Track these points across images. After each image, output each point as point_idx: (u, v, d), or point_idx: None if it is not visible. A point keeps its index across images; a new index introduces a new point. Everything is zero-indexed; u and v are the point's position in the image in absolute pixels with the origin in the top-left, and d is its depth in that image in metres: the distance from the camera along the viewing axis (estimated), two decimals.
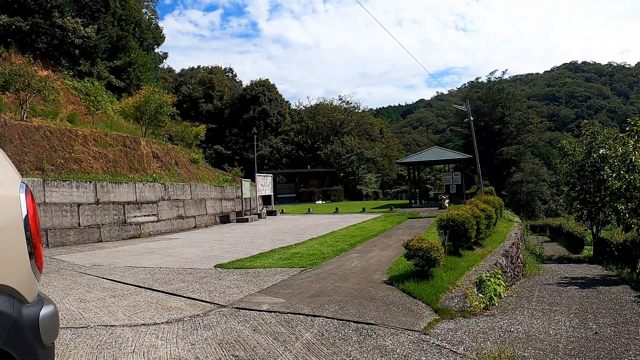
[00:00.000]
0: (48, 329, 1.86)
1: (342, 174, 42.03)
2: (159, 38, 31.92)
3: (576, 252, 20.19)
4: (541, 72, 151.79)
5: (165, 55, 40.62)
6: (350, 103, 51.99)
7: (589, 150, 16.91)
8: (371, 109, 64.16)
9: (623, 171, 9.66)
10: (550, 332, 4.88)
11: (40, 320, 1.81)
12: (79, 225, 11.93)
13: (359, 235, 12.09)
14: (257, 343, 3.78)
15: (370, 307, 4.98)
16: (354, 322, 4.39)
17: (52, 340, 1.94)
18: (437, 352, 3.71)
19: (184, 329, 4.21)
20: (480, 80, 63.67)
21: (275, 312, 4.71)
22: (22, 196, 1.91)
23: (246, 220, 18.65)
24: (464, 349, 3.92)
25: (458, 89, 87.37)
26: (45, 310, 1.87)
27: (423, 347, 3.82)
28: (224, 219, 18.94)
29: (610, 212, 14.34)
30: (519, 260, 11.23)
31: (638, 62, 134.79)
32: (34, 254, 1.92)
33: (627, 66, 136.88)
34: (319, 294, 5.45)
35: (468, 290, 6.00)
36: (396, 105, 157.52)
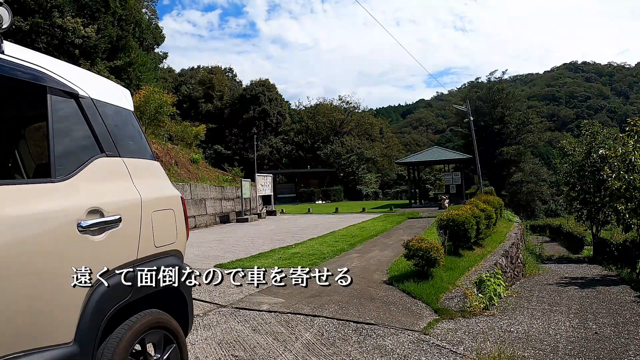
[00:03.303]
0: None
1: (342, 174, 42.04)
2: (159, 38, 31.94)
3: (576, 252, 20.19)
4: (541, 72, 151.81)
5: (165, 55, 40.65)
6: (350, 103, 52.02)
7: (588, 151, 16.90)
8: (371, 109, 64.23)
9: (623, 171, 9.65)
10: (550, 332, 4.88)
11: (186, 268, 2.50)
12: None
13: (359, 235, 12.09)
14: (257, 343, 3.78)
15: (370, 307, 4.98)
16: (354, 322, 4.39)
17: None
18: (437, 352, 3.71)
19: None
20: (480, 80, 63.61)
21: (275, 312, 4.70)
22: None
23: (246, 220, 18.65)
24: (463, 349, 3.92)
25: (458, 89, 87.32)
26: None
27: (423, 347, 3.82)
28: (224, 219, 18.94)
29: (610, 212, 14.34)
30: (519, 260, 11.23)
31: (638, 62, 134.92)
32: (185, 230, 2.82)
33: (627, 66, 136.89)
34: (318, 294, 5.45)
35: (468, 290, 6.00)
36: (396, 105, 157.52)
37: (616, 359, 3.99)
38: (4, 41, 1.83)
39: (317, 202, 34.04)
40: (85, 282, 1.90)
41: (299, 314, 4.62)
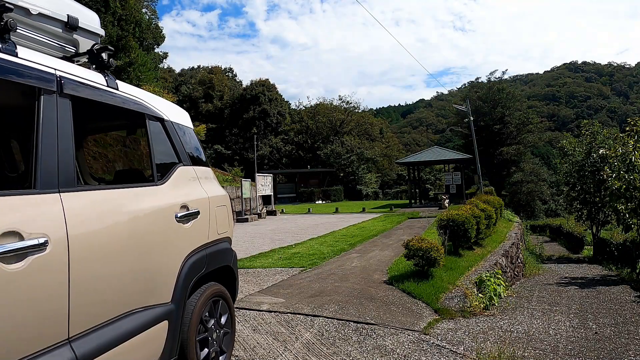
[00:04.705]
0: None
1: (342, 174, 42.03)
2: (159, 38, 31.94)
3: (576, 252, 20.18)
4: (541, 72, 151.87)
5: (165, 55, 40.66)
6: (350, 103, 52.03)
7: (588, 150, 16.89)
8: (371, 109, 64.35)
9: (623, 171, 9.65)
10: (550, 332, 4.88)
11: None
12: None
13: (359, 235, 12.09)
14: (257, 343, 3.78)
15: (370, 307, 4.98)
16: (354, 322, 4.39)
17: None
18: (437, 352, 3.71)
19: None
20: (480, 80, 63.44)
21: (275, 312, 4.70)
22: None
23: (246, 220, 18.65)
24: (463, 349, 3.92)
25: (458, 89, 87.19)
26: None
27: (423, 347, 3.81)
28: None
29: (610, 212, 14.33)
30: (519, 260, 11.23)
31: (638, 62, 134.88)
32: (232, 222, 3.47)
33: (627, 66, 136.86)
34: (319, 294, 5.44)
35: (468, 290, 6.00)
36: (396, 105, 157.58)
37: (616, 359, 3.99)
38: (117, 80, 2.41)
39: (317, 202, 34.03)
40: (181, 258, 2.57)
41: (299, 313, 4.62)
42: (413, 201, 27.40)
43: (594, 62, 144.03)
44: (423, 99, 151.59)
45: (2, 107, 2.45)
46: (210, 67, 58.78)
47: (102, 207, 2.05)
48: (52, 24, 2.19)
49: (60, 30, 2.25)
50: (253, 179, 22.11)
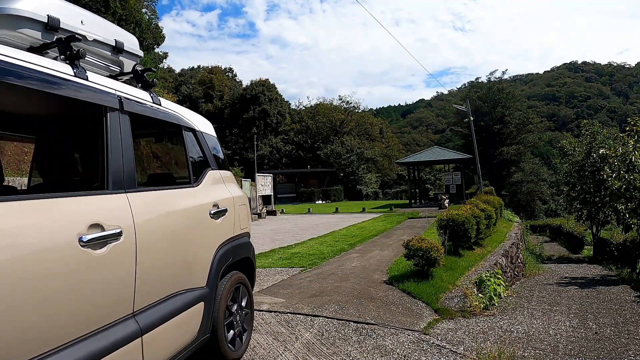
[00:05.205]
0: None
1: (342, 174, 42.01)
2: (159, 38, 31.92)
3: (576, 252, 20.17)
4: (541, 72, 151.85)
5: (165, 55, 40.61)
6: (350, 103, 51.99)
7: (588, 150, 16.89)
8: (371, 109, 64.30)
9: (623, 171, 9.65)
10: (550, 332, 4.88)
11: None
12: None
13: (359, 235, 12.09)
14: (257, 343, 3.77)
15: (370, 307, 4.98)
16: (354, 322, 4.39)
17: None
18: (437, 352, 3.71)
19: None
20: (480, 80, 63.35)
21: (275, 311, 4.70)
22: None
23: None
24: (463, 349, 3.92)
25: (458, 89, 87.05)
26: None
27: (423, 347, 3.81)
28: None
29: (610, 212, 14.33)
30: (519, 260, 11.23)
31: (638, 62, 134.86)
32: (250, 219, 3.92)
33: (627, 66, 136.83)
34: (319, 294, 5.44)
35: (468, 290, 6.00)
36: (396, 105, 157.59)
37: (616, 359, 3.99)
38: (160, 97, 2.81)
39: (317, 202, 34.04)
40: (214, 249, 2.99)
41: (299, 313, 4.62)
42: (413, 201, 27.40)
43: (594, 62, 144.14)
44: (423, 99, 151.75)
45: (75, 122, 2.93)
46: (210, 67, 58.76)
47: (157, 205, 2.46)
48: (103, 48, 2.54)
49: (109, 53, 2.60)
50: (253, 179, 22.12)
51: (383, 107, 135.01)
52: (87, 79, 2.10)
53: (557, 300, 7.15)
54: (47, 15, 2.09)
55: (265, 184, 22.01)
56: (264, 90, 49.61)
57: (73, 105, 2.25)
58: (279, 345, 3.72)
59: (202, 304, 2.70)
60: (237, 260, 3.34)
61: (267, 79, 51.74)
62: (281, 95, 53.35)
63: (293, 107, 57.46)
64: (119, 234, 2.00)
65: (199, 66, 64.25)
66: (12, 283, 1.50)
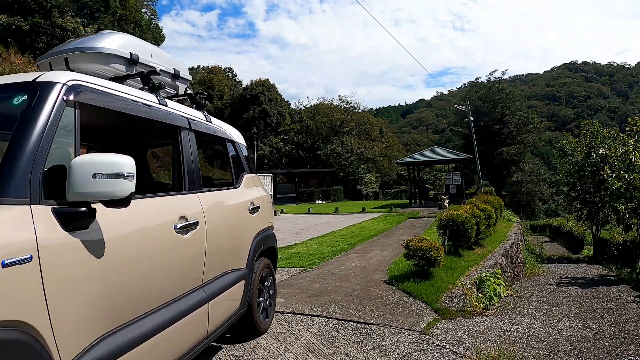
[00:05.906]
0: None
1: (342, 174, 42.00)
2: (159, 38, 31.89)
3: (576, 252, 20.18)
4: (541, 72, 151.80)
5: None
6: (350, 103, 51.96)
7: (588, 150, 16.88)
8: (371, 109, 64.29)
9: (623, 171, 9.65)
10: (550, 332, 4.88)
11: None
12: None
13: (359, 235, 12.09)
14: (257, 343, 3.77)
15: (370, 307, 4.98)
16: (354, 322, 4.39)
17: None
18: (437, 352, 3.71)
19: None
20: (480, 80, 63.30)
21: (275, 312, 4.70)
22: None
23: None
24: (463, 349, 3.92)
25: (458, 89, 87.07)
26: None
27: (423, 347, 3.81)
28: None
29: (610, 212, 14.32)
30: (519, 260, 11.23)
31: (638, 62, 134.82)
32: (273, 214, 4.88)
33: (627, 66, 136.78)
34: (318, 294, 5.44)
35: (468, 290, 6.00)
36: (396, 105, 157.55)
37: (616, 359, 3.99)
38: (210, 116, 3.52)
39: (317, 202, 34.04)
40: (251, 237, 3.64)
41: (299, 314, 4.62)
42: (413, 201, 27.40)
43: (594, 62, 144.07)
44: (423, 99, 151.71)
45: (157, 138, 3.88)
46: (210, 67, 58.75)
47: (216, 202, 3.13)
48: (166, 76, 3.09)
49: (169, 80, 3.15)
50: None
51: (383, 107, 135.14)
52: (166, 105, 2.69)
53: (557, 300, 7.15)
54: (130, 52, 2.64)
55: (265, 184, 22.02)
56: (264, 90, 49.60)
57: (158, 126, 2.76)
58: (279, 345, 3.72)
59: (243, 281, 3.34)
60: (266, 249, 3.94)
61: (267, 79, 51.77)
62: (281, 95, 53.36)
63: (293, 107, 57.47)
64: (196, 224, 2.63)
65: (199, 66, 64.17)
66: (139, 248, 2.09)
